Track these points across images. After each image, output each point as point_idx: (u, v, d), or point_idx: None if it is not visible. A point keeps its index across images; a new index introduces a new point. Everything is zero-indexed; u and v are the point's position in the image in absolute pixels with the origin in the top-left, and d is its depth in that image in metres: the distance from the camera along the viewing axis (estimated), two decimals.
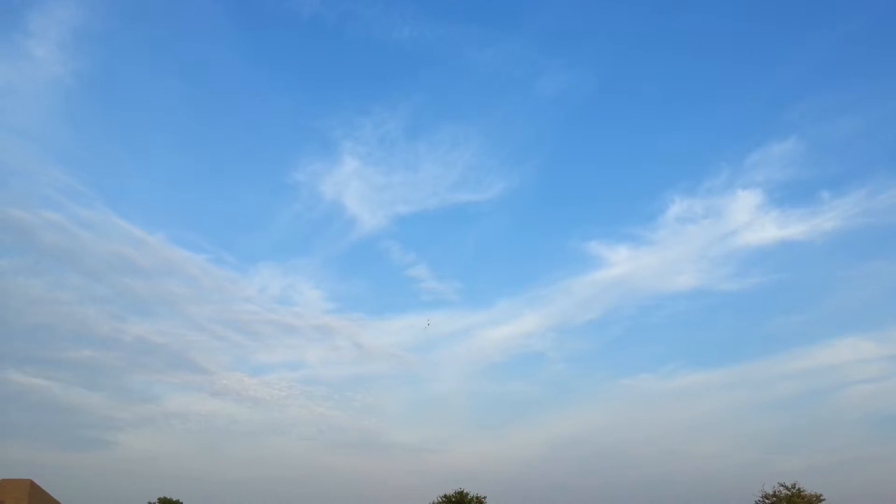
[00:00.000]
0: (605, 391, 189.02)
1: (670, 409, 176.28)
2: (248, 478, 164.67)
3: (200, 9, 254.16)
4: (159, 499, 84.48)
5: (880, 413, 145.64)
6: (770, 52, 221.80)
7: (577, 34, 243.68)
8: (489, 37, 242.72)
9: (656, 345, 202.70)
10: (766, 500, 71.98)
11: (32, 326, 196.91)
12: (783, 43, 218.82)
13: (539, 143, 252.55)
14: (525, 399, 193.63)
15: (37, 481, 67.38)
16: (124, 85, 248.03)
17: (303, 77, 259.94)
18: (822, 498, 69.38)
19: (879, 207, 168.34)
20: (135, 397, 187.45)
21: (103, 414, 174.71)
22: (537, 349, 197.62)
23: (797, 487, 69.78)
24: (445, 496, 79.81)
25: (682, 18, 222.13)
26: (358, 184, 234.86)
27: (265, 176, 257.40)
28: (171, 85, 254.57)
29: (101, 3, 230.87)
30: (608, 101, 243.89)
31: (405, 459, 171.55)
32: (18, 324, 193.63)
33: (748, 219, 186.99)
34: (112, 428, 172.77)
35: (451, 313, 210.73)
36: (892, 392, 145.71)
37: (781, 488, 70.49)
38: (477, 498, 79.53)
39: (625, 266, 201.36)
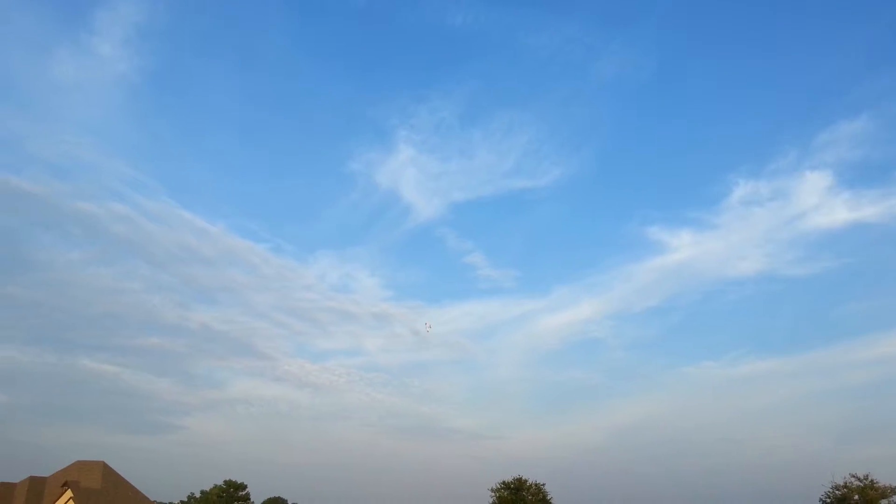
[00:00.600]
0: (667, 379, 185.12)
1: (734, 398, 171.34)
2: (311, 462, 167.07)
3: (256, 1, 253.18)
4: (225, 481, 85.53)
5: None
6: (837, 27, 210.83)
7: (634, 16, 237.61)
8: (544, 20, 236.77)
9: (720, 332, 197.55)
10: (837, 492, 70.42)
11: (102, 315, 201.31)
12: (852, 16, 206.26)
13: (596, 128, 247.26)
14: (583, 386, 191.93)
15: (109, 463, 68.51)
16: (184, 79, 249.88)
17: (358, 66, 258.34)
18: None
19: None
20: (200, 383, 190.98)
21: (171, 399, 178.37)
22: (596, 336, 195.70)
23: (870, 479, 68.09)
24: (504, 483, 79.72)
25: None
26: (413, 172, 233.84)
27: (322, 165, 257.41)
28: (229, 77, 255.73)
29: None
30: (666, 83, 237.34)
31: (464, 445, 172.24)
32: (89, 312, 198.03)
33: (817, 201, 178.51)
34: (179, 412, 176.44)
35: (507, 300, 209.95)
36: None
37: (853, 479, 68.87)
38: (536, 485, 79.29)
39: (687, 251, 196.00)
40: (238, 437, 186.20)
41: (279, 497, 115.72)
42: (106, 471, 67.03)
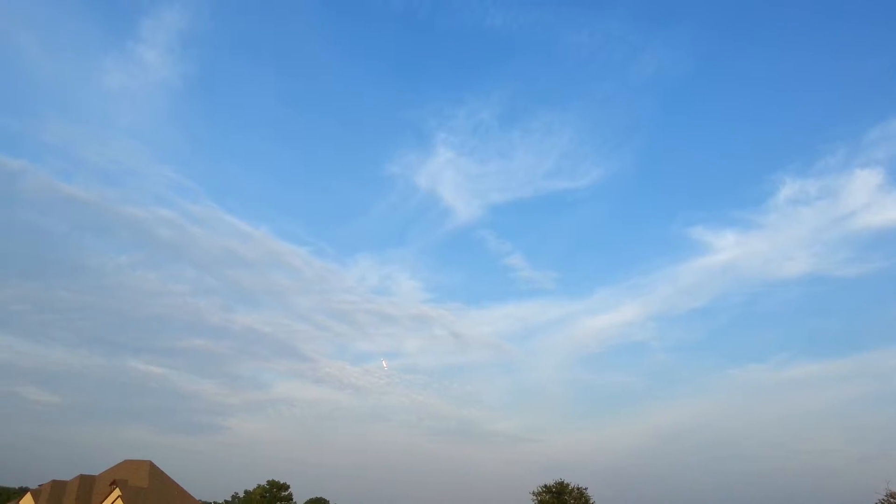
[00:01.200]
0: (711, 382, 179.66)
1: (781, 401, 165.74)
2: (352, 463, 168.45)
3: (296, 5, 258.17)
4: (268, 481, 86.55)
5: None
6: (887, 22, 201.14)
7: (675, 13, 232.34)
8: (583, 18, 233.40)
9: (766, 334, 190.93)
10: (893, 500, 67.12)
11: (148, 317, 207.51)
12: None
13: (636, 127, 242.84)
14: (625, 390, 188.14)
15: (155, 462, 70.05)
16: (227, 84, 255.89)
17: (396, 69, 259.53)
18: None
19: None
20: (244, 384, 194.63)
21: (215, 400, 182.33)
22: (638, 339, 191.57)
23: None
24: (546, 486, 78.56)
25: None
26: (452, 174, 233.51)
27: (361, 168, 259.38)
28: (269, 82, 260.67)
29: (203, 5, 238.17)
30: (708, 81, 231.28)
31: (504, 448, 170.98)
32: (136, 315, 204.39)
33: (867, 199, 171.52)
34: (223, 413, 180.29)
35: (547, 302, 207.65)
36: None
37: None
38: (578, 489, 77.90)
39: (732, 251, 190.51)
40: (280, 437, 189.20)
41: (321, 497, 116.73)
42: (153, 470, 68.59)
